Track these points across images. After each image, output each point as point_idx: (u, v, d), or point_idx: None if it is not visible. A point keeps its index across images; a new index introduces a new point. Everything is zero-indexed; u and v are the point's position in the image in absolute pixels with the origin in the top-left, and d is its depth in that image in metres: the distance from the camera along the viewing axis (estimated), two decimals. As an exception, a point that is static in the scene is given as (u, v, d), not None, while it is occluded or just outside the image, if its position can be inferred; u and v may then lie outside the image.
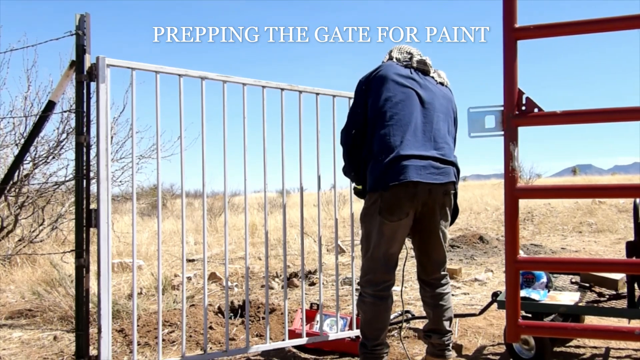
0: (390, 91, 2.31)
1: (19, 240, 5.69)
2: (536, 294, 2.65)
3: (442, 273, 2.50)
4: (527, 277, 2.81)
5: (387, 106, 2.29)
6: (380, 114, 2.30)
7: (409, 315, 3.38)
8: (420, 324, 3.35)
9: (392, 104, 2.30)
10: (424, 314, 3.65)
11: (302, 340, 2.88)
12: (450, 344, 2.51)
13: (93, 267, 2.50)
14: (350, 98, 2.90)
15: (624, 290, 2.64)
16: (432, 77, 2.46)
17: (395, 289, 4.56)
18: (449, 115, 2.44)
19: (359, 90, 2.44)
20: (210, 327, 3.34)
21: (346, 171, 2.56)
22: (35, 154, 5.10)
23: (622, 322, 3.04)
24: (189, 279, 5.20)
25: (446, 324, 2.49)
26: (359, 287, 2.44)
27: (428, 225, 2.37)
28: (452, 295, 4.39)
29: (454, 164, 2.36)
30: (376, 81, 2.36)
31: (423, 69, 2.44)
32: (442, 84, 2.49)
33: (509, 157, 1.30)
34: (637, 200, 2.46)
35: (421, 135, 2.29)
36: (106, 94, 2.32)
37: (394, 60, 2.49)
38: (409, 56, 2.49)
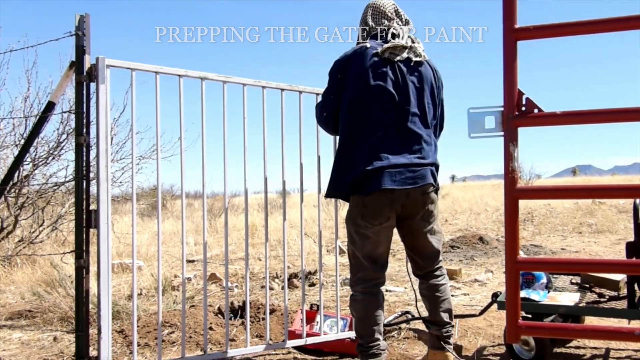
0: (365, 93, 2.29)
1: (19, 241, 5.69)
2: (536, 295, 2.65)
3: (436, 266, 2.52)
4: (527, 278, 2.81)
5: (362, 110, 2.29)
6: (355, 117, 2.30)
7: (409, 316, 3.37)
8: (420, 325, 3.35)
9: (368, 107, 2.28)
10: (423, 314, 3.65)
11: (302, 341, 2.88)
12: (450, 337, 2.51)
13: (93, 268, 2.50)
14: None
15: (624, 291, 2.64)
16: (409, 58, 2.36)
17: (397, 289, 4.56)
18: (428, 104, 2.39)
19: (335, 76, 2.39)
20: (210, 328, 3.33)
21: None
22: (35, 155, 5.10)
23: (622, 323, 3.03)
24: (189, 279, 5.20)
25: (444, 315, 2.49)
26: (351, 289, 2.43)
27: (412, 225, 2.40)
28: (452, 296, 4.38)
29: (431, 164, 2.35)
30: (352, 74, 2.32)
31: (398, 54, 2.34)
32: (419, 63, 2.39)
33: (509, 157, 1.30)
34: (637, 200, 2.46)
35: (397, 140, 2.28)
36: (106, 95, 2.32)
37: (369, 39, 2.42)
38: (385, 29, 2.41)
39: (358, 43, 2.52)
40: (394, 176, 2.23)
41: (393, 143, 2.27)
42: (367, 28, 2.48)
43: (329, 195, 2.44)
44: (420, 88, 2.37)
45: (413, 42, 2.40)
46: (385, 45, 2.33)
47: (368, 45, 2.35)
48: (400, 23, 2.46)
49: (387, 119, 2.28)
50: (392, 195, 2.25)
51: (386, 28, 2.42)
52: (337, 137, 2.43)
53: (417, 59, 2.38)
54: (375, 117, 2.28)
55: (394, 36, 2.39)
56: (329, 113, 2.44)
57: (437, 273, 2.52)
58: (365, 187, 2.24)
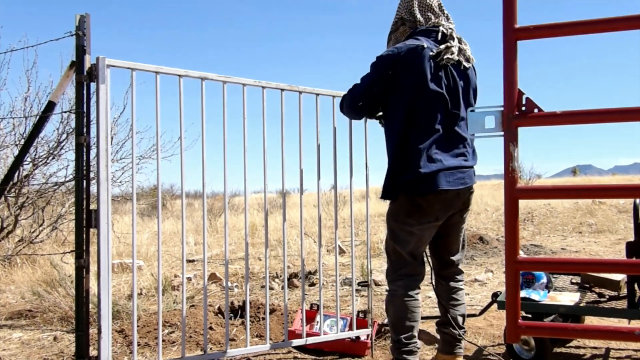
0: (423, 98, 2.25)
1: (19, 240, 5.69)
2: (536, 295, 2.65)
3: (459, 268, 2.57)
4: (527, 278, 2.81)
5: (417, 114, 2.27)
6: (409, 120, 2.28)
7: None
8: (419, 324, 3.34)
9: (423, 111, 2.27)
10: (423, 314, 3.65)
11: (302, 341, 2.87)
12: (463, 342, 2.52)
13: (93, 268, 2.50)
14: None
15: (625, 291, 2.64)
16: (459, 62, 2.33)
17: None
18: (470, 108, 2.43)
19: (383, 71, 2.29)
20: (210, 328, 3.33)
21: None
22: (35, 155, 5.09)
23: (622, 323, 3.03)
24: (189, 279, 5.20)
25: (460, 319, 2.52)
26: (389, 285, 2.44)
27: (453, 221, 2.44)
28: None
29: (473, 165, 2.42)
30: (409, 76, 2.24)
31: (451, 58, 2.30)
32: (467, 67, 2.37)
33: (509, 157, 1.30)
34: (637, 200, 2.46)
35: (447, 143, 2.30)
36: (106, 95, 2.32)
37: (418, 35, 2.33)
38: (434, 26, 2.34)
39: (396, 33, 2.46)
40: (448, 177, 2.27)
41: (444, 146, 2.29)
42: (412, 20, 2.39)
43: (383, 196, 2.42)
44: (467, 92, 2.39)
45: (460, 42, 2.37)
46: (442, 47, 2.29)
47: (425, 45, 2.27)
48: (445, 20, 2.40)
49: (439, 123, 2.29)
50: (446, 195, 2.28)
51: (435, 25, 2.36)
52: (389, 140, 2.37)
53: (467, 64, 2.37)
54: (430, 121, 2.27)
55: (444, 36, 2.34)
56: (366, 104, 2.42)
57: (459, 277, 2.58)
58: (420, 187, 2.25)
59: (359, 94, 2.41)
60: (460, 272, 2.59)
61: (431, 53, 2.26)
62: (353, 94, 2.44)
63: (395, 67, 2.27)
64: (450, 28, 2.37)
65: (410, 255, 2.37)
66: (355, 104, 2.44)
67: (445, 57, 2.27)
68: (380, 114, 2.58)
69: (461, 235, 2.53)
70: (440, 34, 2.34)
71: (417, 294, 2.37)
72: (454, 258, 2.54)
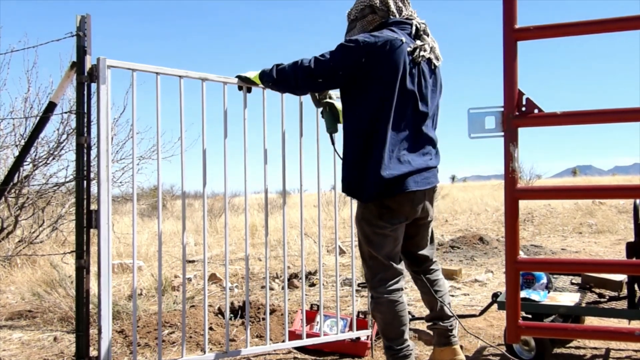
0: (397, 96, 2.21)
1: (19, 241, 5.69)
2: (536, 295, 2.65)
3: (433, 260, 2.56)
4: (527, 278, 2.81)
5: (388, 111, 2.22)
6: (379, 116, 2.22)
7: (409, 316, 3.37)
8: (420, 325, 3.35)
9: (394, 109, 2.22)
10: (423, 315, 3.65)
11: (302, 342, 2.87)
12: (455, 330, 2.51)
13: (93, 268, 2.50)
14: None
15: (625, 291, 2.64)
16: (430, 60, 2.29)
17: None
18: (437, 107, 2.42)
19: (357, 57, 2.18)
20: (211, 328, 3.33)
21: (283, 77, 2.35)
22: (36, 155, 5.10)
23: (622, 323, 3.04)
24: (189, 279, 5.20)
25: (446, 308, 2.51)
26: (371, 292, 2.39)
27: (420, 221, 2.43)
28: (452, 296, 4.38)
29: (437, 165, 2.42)
30: (386, 70, 2.18)
31: (424, 54, 2.27)
32: (436, 65, 2.35)
33: (509, 158, 1.30)
34: (637, 201, 2.46)
35: (414, 143, 2.29)
36: (107, 95, 2.32)
37: (392, 26, 2.27)
38: (407, 20, 2.31)
39: (363, 21, 2.37)
40: (416, 177, 2.26)
41: (412, 146, 2.28)
42: (384, 10, 2.32)
43: (347, 193, 2.37)
44: (434, 91, 2.37)
45: (432, 47, 2.33)
46: (418, 43, 2.25)
47: (404, 39, 2.21)
48: (413, 13, 2.36)
49: (408, 122, 2.27)
50: (414, 195, 2.28)
51: (408, 18, 2.32)
52: (351, 131, 2.30)
53: (437, 62, 2.34)
54: (400, 119, 2.24)
55: (417, 31, 2.30)
56: (325, 83, 2.31)
57: (434, 267, 2.56)
58: (389, 189, 2.23)
59: (322, 71, 2.24)
60: (434, 262, 2.56)
61: (409, 49, 2.22)
62: (315, 68, 2.25)
63: (369, 56, 2.17)
64: (422, 23, 2.33)
65: (387, 258, 2.33)
66: (315, 79, 2.27)
67: (421, 53, 2.24)
68: (330, 100, 2.56)
69: (429, 232, 2.54)
70: (414, 28, 2.29)
71: (400, 297, 2.34)
72: (425, 252, 2.52)
